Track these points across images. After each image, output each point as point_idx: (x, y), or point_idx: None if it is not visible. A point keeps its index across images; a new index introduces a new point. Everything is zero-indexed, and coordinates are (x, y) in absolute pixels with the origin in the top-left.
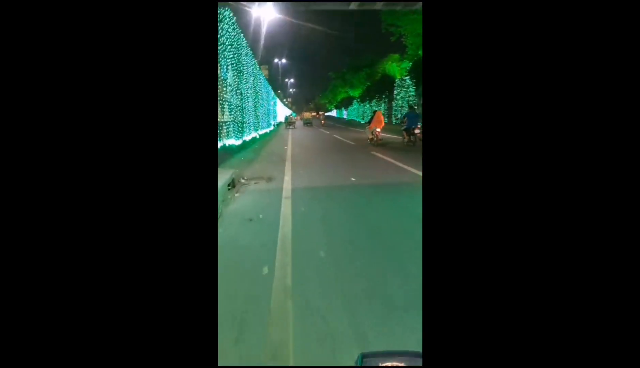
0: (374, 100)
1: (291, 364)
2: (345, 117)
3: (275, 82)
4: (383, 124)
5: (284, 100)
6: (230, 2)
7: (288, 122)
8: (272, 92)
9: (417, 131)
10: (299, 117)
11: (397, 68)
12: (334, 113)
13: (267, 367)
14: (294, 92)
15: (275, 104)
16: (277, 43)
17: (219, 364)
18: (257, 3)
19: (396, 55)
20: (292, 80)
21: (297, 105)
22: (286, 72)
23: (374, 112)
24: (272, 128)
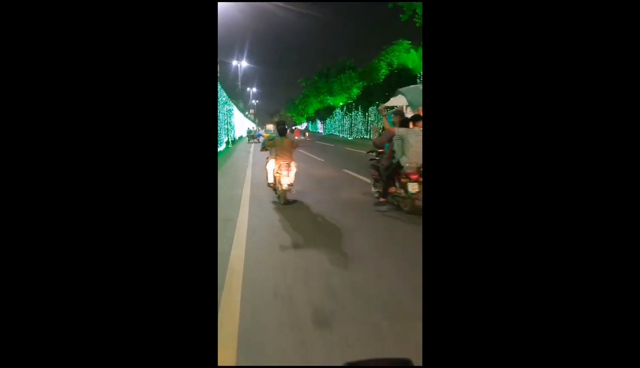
0: (374, 107)
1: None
2: (320, 131)
3: (234, 90)
4: (298, 135)
5: (246, 113)
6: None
7: (251, 135)
8: (225, 95)
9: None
10: (262, 130)
11: (416, 56)
12: (303, 127)
13: (268, 367)
14: (257, 103)
15: (230, 112)
16: (234, 44)
17: (219, 364)
18: None
19: (405, 43)
20: (254, 89)
21: (260, 118)
22: (248, 80)
23: (294, 128)
24: (222, 148)
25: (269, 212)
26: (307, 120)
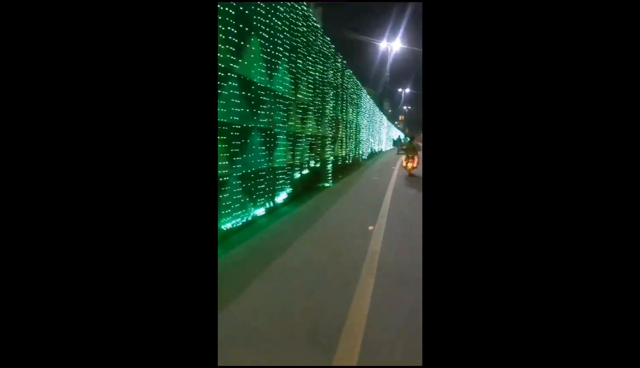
0: None
1: None
2: None
3: (374, 81)
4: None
5: (395, 122)
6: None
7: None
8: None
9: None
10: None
11: None
12: None
13: (267, 367)
14: (408, 110)
15: (355, 105)
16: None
17: (219, 364)
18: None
19: None
20: (407, 90)
21: (410, 127)
22: (399, 77)
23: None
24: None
25: (404, 176)
26: None
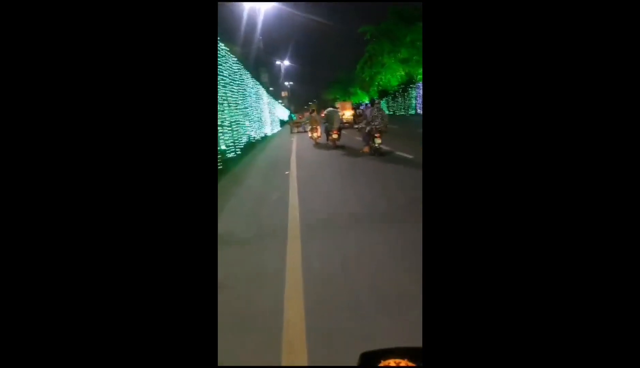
0: None
1: None
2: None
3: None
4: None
5: (279, 100)
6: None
7: (295, 123)
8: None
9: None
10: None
11: None
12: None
13: (267, 367)
14: (290, 86)
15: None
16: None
17: (219, 364)
18: None
19: None
20: (286, 61)
21: (296, 104)
22: (275, 49)
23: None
24: None
25: (310, 145)
26: (381, 96)
